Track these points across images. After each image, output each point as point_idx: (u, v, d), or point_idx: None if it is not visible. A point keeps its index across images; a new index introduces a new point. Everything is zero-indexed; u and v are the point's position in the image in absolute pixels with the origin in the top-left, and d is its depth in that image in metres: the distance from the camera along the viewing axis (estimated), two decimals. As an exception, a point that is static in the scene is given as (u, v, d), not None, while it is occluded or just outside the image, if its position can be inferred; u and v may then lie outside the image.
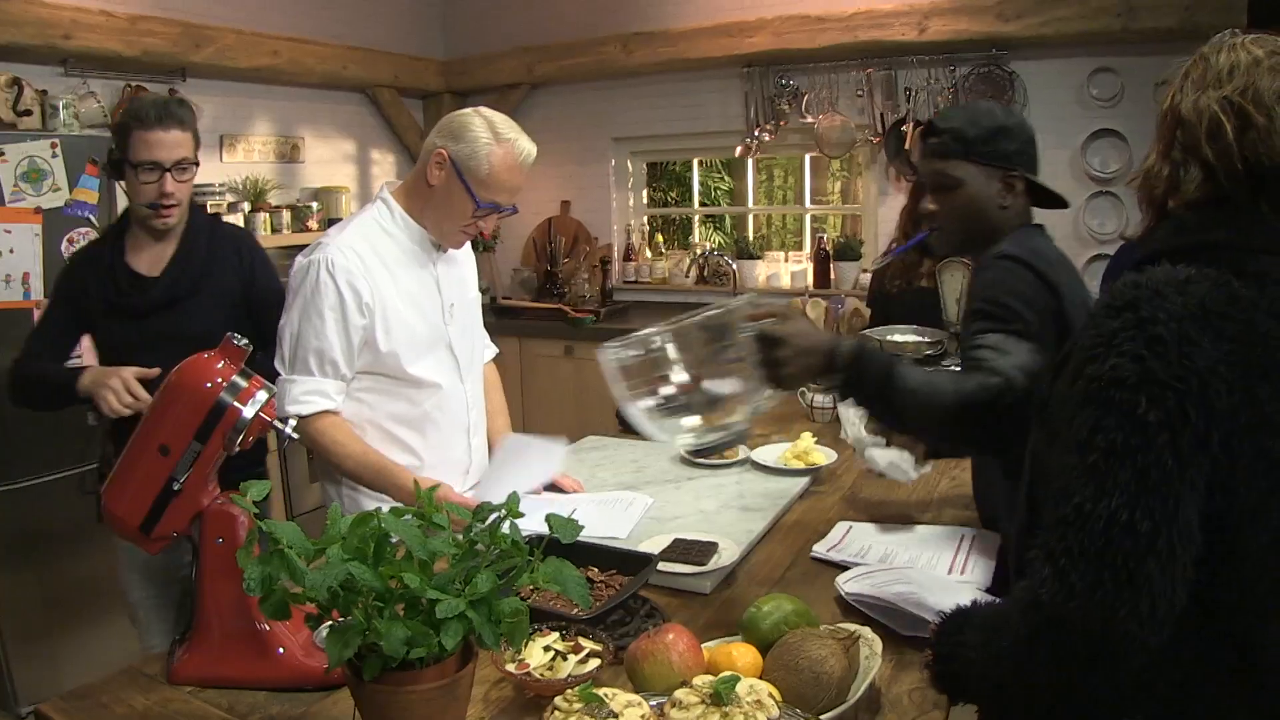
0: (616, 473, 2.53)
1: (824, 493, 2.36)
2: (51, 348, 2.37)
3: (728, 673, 1.29)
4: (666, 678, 1.36)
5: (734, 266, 5.22)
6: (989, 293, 1.68)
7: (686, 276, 5.55)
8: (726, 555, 1.88)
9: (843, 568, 1.85)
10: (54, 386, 2.26)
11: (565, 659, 1.43)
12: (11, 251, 3.21)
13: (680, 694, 1.25)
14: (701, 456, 2.33)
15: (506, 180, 2.11)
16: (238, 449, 1.50)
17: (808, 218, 5.53)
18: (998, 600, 1.25)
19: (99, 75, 4.17)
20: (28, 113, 3.55)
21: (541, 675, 1.41)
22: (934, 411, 1.52)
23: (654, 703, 1.27)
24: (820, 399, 3.04)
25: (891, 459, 2.11)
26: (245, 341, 1.50)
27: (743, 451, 2.57)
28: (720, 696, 1.22)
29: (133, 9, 4.15)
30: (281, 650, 1.47)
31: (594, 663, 1.43)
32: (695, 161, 5.84)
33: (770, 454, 2.56)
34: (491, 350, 2.60)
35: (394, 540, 1.17)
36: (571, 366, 5.16)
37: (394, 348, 2.14)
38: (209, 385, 1.47)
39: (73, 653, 3.49)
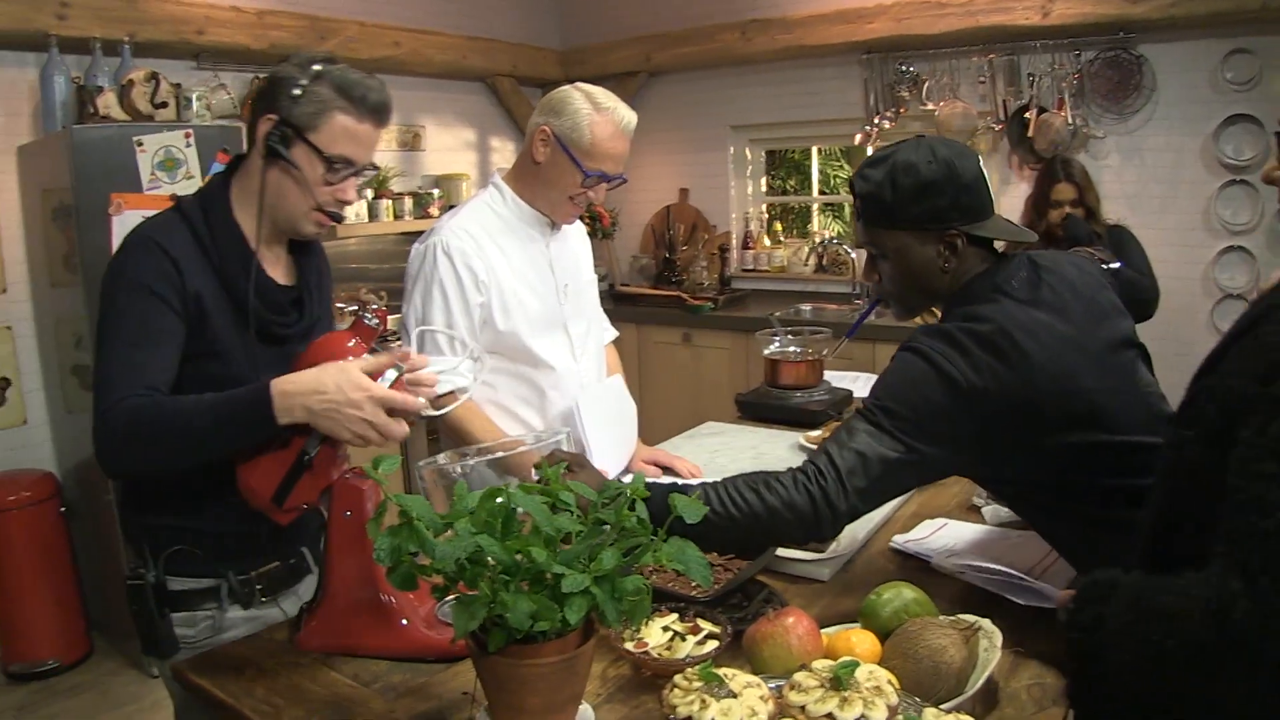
0: (735, 458, 2.54)
1: (944, 484, 2.30)
2: (159, 376, 1.57)
3: (847, 658, 1.28)
4: (785, 660, 1.36)
5: (852, 255, 5.16)
6: (879, 387, 1.56)
7: (805, 265, 5.51)
8: (846, 543, 1.87)
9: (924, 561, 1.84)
10: (220, 425, 1.49)
11: (684, 639, 1.44)
12: (151, 237, 3.35)
13: (799, 677, 1.25)
14: None
15: (610, 148, 2.16)
16: None
17: (929, 206, 5.42)
18: (1139, 575, 1.15)
19: (229, 68, 4.35)
20: (164, 105, 3.72)
21: (659, 655, 1.42)
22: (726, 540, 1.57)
23: (772, 685, 1.27)
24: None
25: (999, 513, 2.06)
26: (376, 321, 1.55)
27: None
28: (840, 681, 1.21)
29: (261, 4, 4.31)
30: (405, 621, 1.52)
31: (712, 644, 1.44)
32: (814, 149, 5.78)
33: None
34: (611, 333, 2.64)
35: (520, 515, 1.20)
36: (689, 353, 5.17)
37: (512, 326, 2.20)
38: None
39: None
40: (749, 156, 5.75)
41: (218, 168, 3.46)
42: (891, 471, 1.50)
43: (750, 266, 5.66)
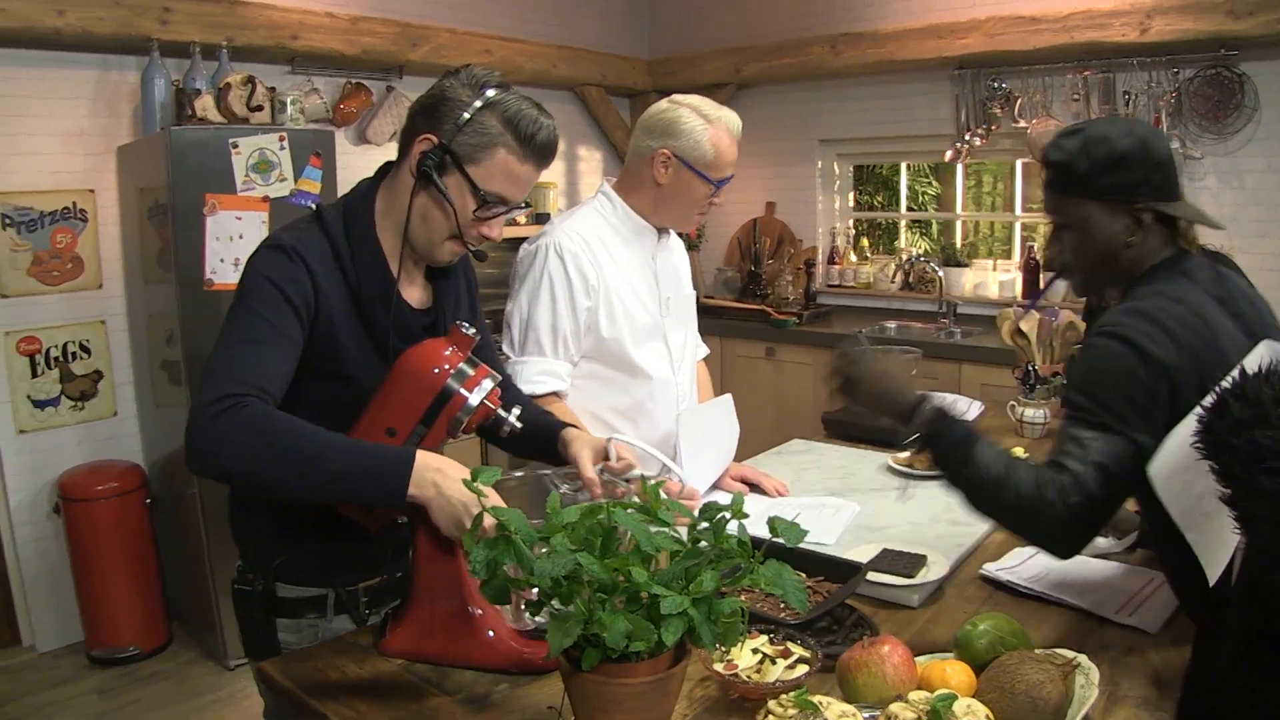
0: (823, 477, 2.51)
1: None
2: (273, 381, 1.49)
3: (944, 690, 1.24)
4: (879, 689, 1.32)
5: (940, 273, 5.08)
6: (1081, 380, 1.52)
7: (892, 282, 5.43)
8: (935, 569, 1.82)
9: (1013, 591, 1.80)
10: (347, 473, 1.40)
11: (774, 663, 1.41)
12: (241, 237, 3.43)
13: (895, 708, 1.21)
14: None
15: (729, 155, 2.20)
16: (461, 435, 1.54)
17: (1018, 226, 5.31)
18: None
19: (322, 73, 4.43)
20: (259, 108, 3.79)
21: (749, 678, 1.39)
22: (992, 502, 1.52)
23: (866, 715, 1.23)
24: (1031, 413, 2.91)
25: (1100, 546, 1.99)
26: (473, 330, 1.54)
27: None
28: (937, 714, 1.17)
29: (354, 10, 4.37)
30: (491, 633, 1.50)
31: (802, 669, 1.40)
32: (903, 165, 5.70)
33: None
34: (703, 350, 2.62)
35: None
36: (772, 368, 5.12)
37: (616, 333, 2.20)
38: (436, 371, 1.50)
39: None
40: (837, 171, 5.69)
41: (311, 172, 3.52)
42: (1126, 471, 1.45)
43: (835, 282, 5.59)
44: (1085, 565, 1.87)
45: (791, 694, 1.22)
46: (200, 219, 3.35)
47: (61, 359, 3.79)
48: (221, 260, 3.39)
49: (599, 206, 2.27)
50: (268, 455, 1.37)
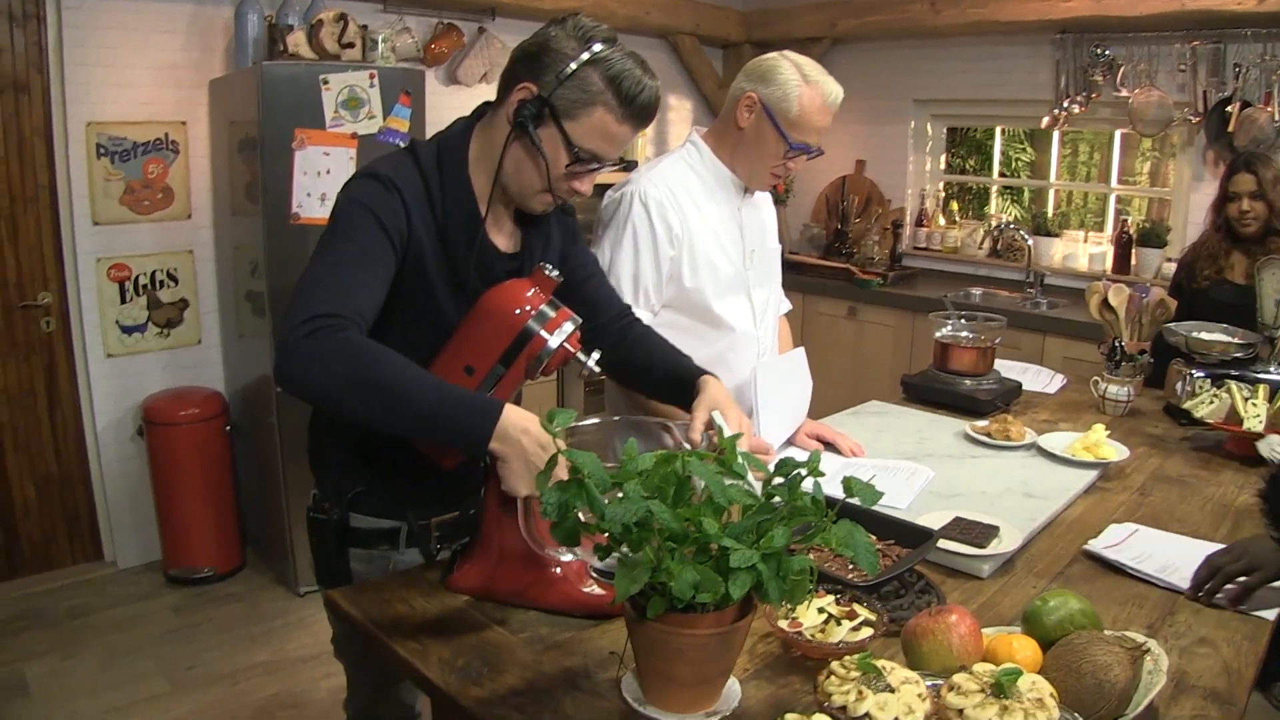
0: (898, 441, 2.48)
1: (1110, 490, 2.22)
2: (366, 307, 1.49)
3: (1010, 664, 1.22)
4: (944, 659, 1.30)
5: (1029, 242, 4.95)
6: None
7: (980, 248, 5.32)
8: (1008, 541, 1.80)
9: (1117, 570, 1.76)
10: (437, 413, 1.40)
11: (838, 624, 1.40)
12: (329, 172, 3.46)
13: (959, 679, 1.19)
14: None
15: (816, 121, 2.12)
16: (539, 376, 1.55)
17: (1112, 198, 5.15)
18: None
19: (414, 11, 4.41)
20: (350, 45, 3.81)
21: (813, 637, 1.39)
22: None
23: (929, 683, 1.22)
24: (1114, 390, 2.84)
25: None
26: (556, 273, 1.54)
27: (1029, 435, 2.46)
28: (1001, 688, 1.15)
29: (449, -51, 4.35)
30: (560, 576, 1.51)
31: (866, 631, 1.39)
32: (998, 129, 5.55)
33: (1057, 442, 2.43)
34: (786, 305, 2.60)
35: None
36: (853, 328, 5.07)
37: (699, 284, 2.18)
38: (517, 311, 1.51)
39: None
40: (929, 132, 5.56)
41: (401, 110, 3.54)
42: None
43: (922, 245, 5.50)
44: (1192, 547, 1.83)
45: (854, 657, 1.21)
46: (289, 153, 3.39)
47: (150, 286, 3.88)
48: (308, 195, 3.43)
49: (686, 155, 2.24)
50: (355, 383, 1.36)
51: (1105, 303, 3.07)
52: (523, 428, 1.39)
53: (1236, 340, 2.82)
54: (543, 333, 1.51)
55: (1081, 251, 4.98)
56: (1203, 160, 4.51)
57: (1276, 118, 4.17)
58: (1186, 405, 2.65)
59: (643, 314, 2.11)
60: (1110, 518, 2.02)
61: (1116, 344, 2.90)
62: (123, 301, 3.82)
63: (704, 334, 2.23)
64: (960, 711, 1.14)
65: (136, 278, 3.84)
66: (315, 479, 1.79)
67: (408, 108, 3.58)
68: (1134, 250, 4.73)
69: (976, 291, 5.03)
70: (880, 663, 1.20)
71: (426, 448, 1.58)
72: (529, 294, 1.52)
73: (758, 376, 2.19)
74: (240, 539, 4.02)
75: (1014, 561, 1.79)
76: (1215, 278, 3.44)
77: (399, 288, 1.55)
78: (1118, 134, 5.03)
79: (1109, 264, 4.83)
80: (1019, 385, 2.95)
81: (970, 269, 5.33)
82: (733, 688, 1.29)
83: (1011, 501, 2.07)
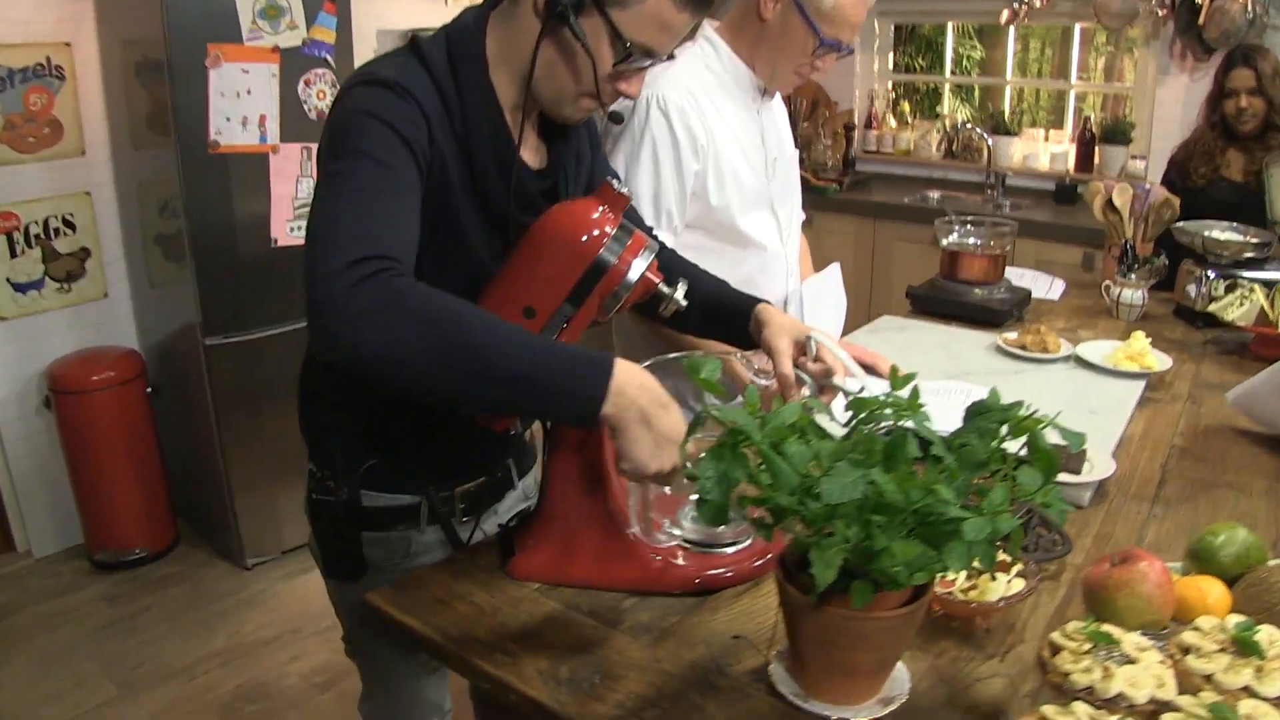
0: (930, 359, 2.34)
1: (1160, 400, 2.14)
2: (408, 242, 1.22)
3: (1241, 618, 1.06)
4: (1141, 613, 1.14)
5: (989, 142, 4.83)
6: None
7: (937, 150, 5.20)
8: (1101, 464, 1.68)
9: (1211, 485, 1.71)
10: (535, 374, 1.13)
11: (993, 579, 1.22)
12: (249, 93, 3.11)
13: (1190, 638, 1.03)
14: None
15: (851, 14, 1.89)
16: (613, 315, 1.30)
17: (1071, 95, 5.05)
18: None
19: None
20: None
21: (965, 595, 1.22)
22: None
23: (1158, 644, 1.06)
24: (1128, 294, 2.74)
25: None
26: (626, 188, 1.29)
27: (1065, 347, 2.34)
28: (1252, 646, 0.99)
29: None
30: (651, 555, 1.31)
31: (1019, 584, 1.23)
32: (949, 26, 5.38)
33: (1096, 352, 2.34)
34: (801, 216, 2.38)
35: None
36: (810, 238, 4.88)
37: (724, 200, 1.95)
38: (585, 239, 1.25)
39: (296, 510, 3.51)
40: (876, 30, 5.33)
41: (325, 19, 3.18)
42: None
43: (873, 148, 5.34)
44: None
45: (1077, 624, 1.03)
46: (201, 73, 3.01)
47: (43, 236, 3.47)
48: (228, 120, 3.08)
49: (702, 53, 1.98)
50: (433, 344, 1.08)
51: (1109, 204, 2.98)
52: (640, 383, 1.14)
53: (1250, 239, 2.73)
54: (620, 263, 1.26)
55: (1042, 150, 4.90)
56: (1169, 53, 4.41)
57: (1249, 9, 4.06)
58: (1213, 308, 2.58)
59: (665, 236, 1.87)
60: (1174, 431, 1.97)
61: (1128, 246, 2.81)
62: (12, 255, 3.41)
63: (731, 255, 2.01)
64: (1209, 677, 0.98)
65: (26, 227, 3.43)
66: (312, 454, 1.53)
67: (333, 15, 3.21)
68: (1097, 148, 4.65)
69: (934, 194, 4.92)
70: (1105, 628, 1.02)
71: (482, 414, 1.33)
72: (596, 215, 1.26)
73: (804, 300, 1.99)
74: (171, 512, 3.71)
75: (1103, 486, 1.68)
76: (1212, 176, 3.39)
77: (423, 219, 1.26)
78: (1077, 28, 4.90)
79: (1071, 163, 4.75)
80: (1029, 293, 2.87)
81: (925, 172, 5.21)
82: (900, 669, 1.10)
83: (1076, 420, 1.88)
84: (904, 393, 1.01)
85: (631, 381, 1.13)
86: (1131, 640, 1.00)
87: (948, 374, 2.20)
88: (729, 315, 1.59)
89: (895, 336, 2.52)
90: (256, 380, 3.37)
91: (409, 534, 1.50)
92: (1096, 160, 4.65)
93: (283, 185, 3.25)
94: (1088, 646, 0.98)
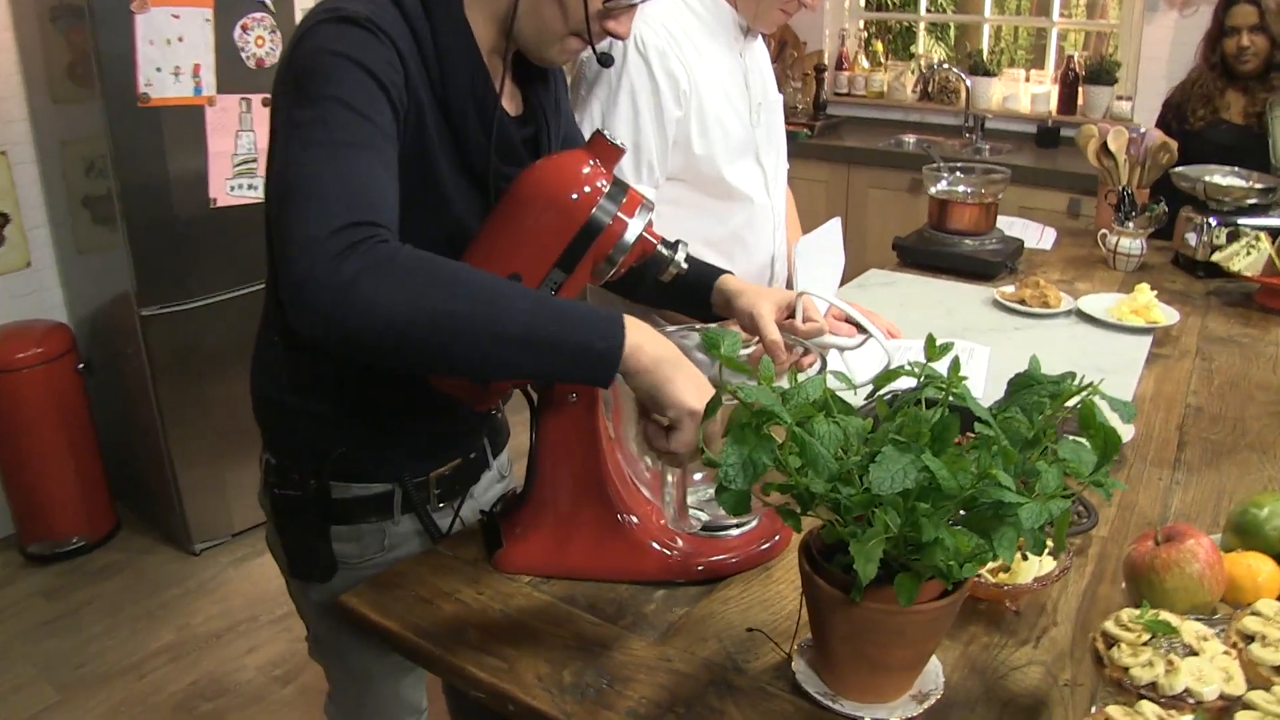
0: (927, 314, 2.33)
1: (1169, 356, 2.13)
2: (390, 202, 1.13)
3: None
4: (1191, 595, 1.11)
5: (967, 83, 4.78)
6: None
7: (912, 92, 5.16)
8: (1121, 427, 1.63)
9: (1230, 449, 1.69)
10: (539, 334, 1.07)
11: (1024, 558, 1.18)
12: (180, 40, 2.97)
13: (1252, 623, 0.99)
14: None
15: None
16: (609, 279, 1.24)
17: (1054, 33, 5.02)
18: None
19: None
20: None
21: (990, 577, 1.18)
22: None
23: (1217, 630, 1.01)
24: (1126, 243, 2.72)
25: None
26: (621, 140, 1.21)
27: (1066, 301, 2.34)
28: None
29: None
30: (650, 542, 1.25)
31: (1050, 563, 1.20)
32: (924, -40, 5.33)
33: (1096, 305, 2.33)
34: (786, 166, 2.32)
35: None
36: (783, 185, 4.87)
37: (709, 149, 1.88)
38: (576, 196, 1.18)
39: (245, 490, 3.43)
40: (847, -34, 5.28)
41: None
42: None
43: (844, 91, 5.28)
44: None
45: (1131, 613, 0.98)
46: (126, 19, 2.88)
47: (-45, 201, 3.34)
48: (158, 70, 2.95)
49: None
50: (432, 311, 1.02)
51: (1104, 148, 2.96)
52: (653, 333, 1.11)
53: (1254, 184, 2.71)
54: (615, 223, 1.19)
55: (1023, 92, 4.86)
56: (1157, -12, 4.38)
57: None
58: (1217, 258, 2.57)
59: (646, 190, 1.81)
60: (1187, 390, 1.95)
61: (1125, 193, 2.78)
62: (-77, 223, 3.28)
63: (716, 210, 1.95)
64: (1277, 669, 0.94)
65: (-64, 192, 3.30)
66: (270, 443, 1.44)
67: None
68: (1081, 89, 4.61)
69: (910, 139, 4.89)
70: (1163, 616, 0.98)
71: (459, 388, 1.26)
72: (586, 170, 1.19)
73: (798, 260, 1.93)
74: (110, 497, 3.60)
75: (1121, 452, 1.63)
76: (1210, 118, 3.36)
77: (401, 172, 1.17)
78: (1061, -40, 4.88)
79: (1054, 104, 4.72)
80: (1021, 243, 2.86)
81: (900, 115, 5.16)
82: (932, 661, 1.06)
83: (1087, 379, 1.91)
84: (944, 364, 0.95)
85: (645, 330, 1.10)
86: (1192, 629, 0.96)
87: (946, 332, 2.16)
88: (690, 284, 1.54)
89: (885, 292, 2.49)
90: (198, 352, 3.28)
91: (383, 526, 1.43)
92: (1080, 102, 4.62)
93: (221, 140, 3.13)
94: (1146, 637, 0.94)
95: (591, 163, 1.19)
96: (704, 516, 1.32)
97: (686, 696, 1.03)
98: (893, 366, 0.99)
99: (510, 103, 1.35)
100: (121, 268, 3.13)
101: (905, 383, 0.99)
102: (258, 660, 2.87)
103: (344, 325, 1.00)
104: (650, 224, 1.22)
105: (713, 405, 0.99)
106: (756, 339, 1.45)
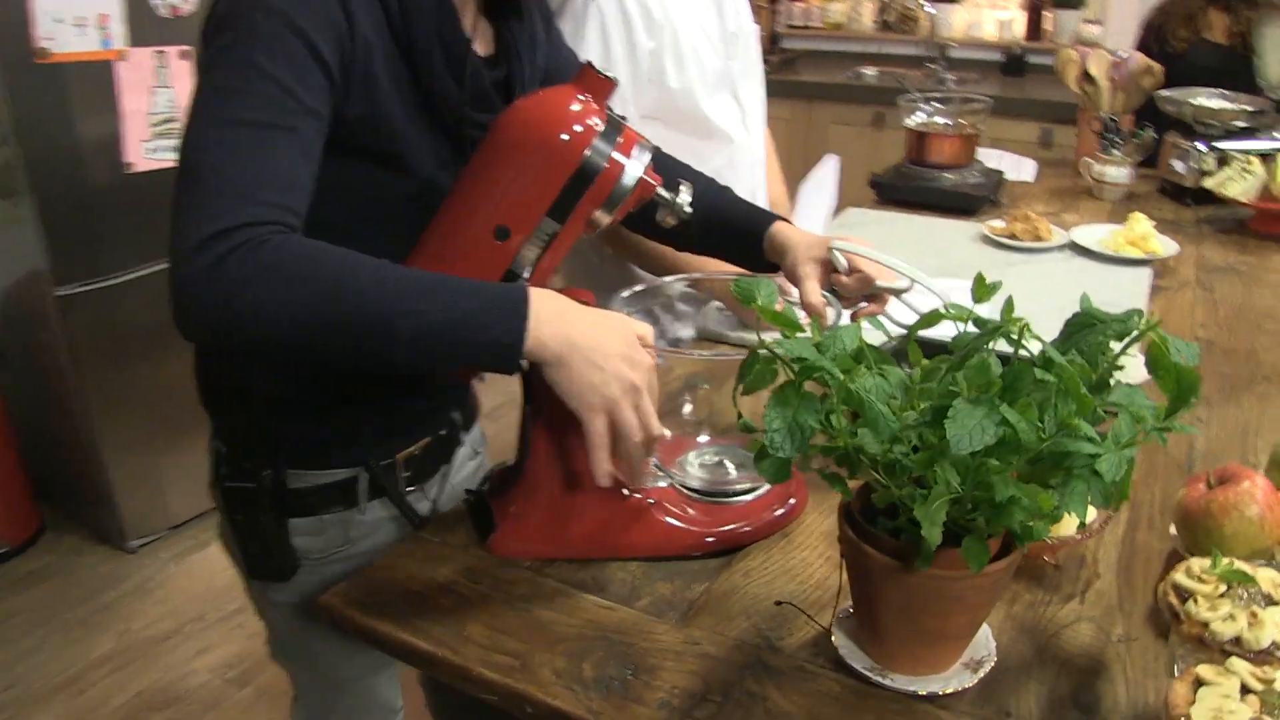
0: (916, 253, 2.25)
1: (1170, 288, 2.14)
2: (295, 192, 1.07)
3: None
4: (1250, 538, 1.09)
5: (930, 10, 4.78)
6: None
7: (871, 22, 5.18)
8: (1132, 366, 1.61)
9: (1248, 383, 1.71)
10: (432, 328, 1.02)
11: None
12: (83, -14, 2.86)
13: None
14: None
15: None
16: (605, 227, 1.18)
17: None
18: None
19: None
20: None
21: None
22: None
23: None
24: (1113, 172, 2.72)
25: None
26: (612, 73, 1.15)
27: (1058, 234, 2.34)
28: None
29: None
30: (660, 516, 1.21)
31: (1091, 512, 1.16)
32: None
33: (1090, 237, 2.33)
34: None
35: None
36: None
37: (685, 83, 1.83)
38: (566, 137, 1.11)
39: (183, 477, 3.34)
40: (795, -113, 5.25)
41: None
42: None
43: (799, 23, 5.29)
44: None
45: (1201, 562, 0.96)
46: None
47: None
48: (58, 21, 2.80)
49: None
50: (312, 320, 0.99)
51: (1085, 73, 2.95)
52: (557, 308, 1.05)
53: (1244, 106, 2.72)
54: (611, 165, 1.13)
55: (987, 18, 4.90)
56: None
57: None
58: (1209, 184, 2.59)
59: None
60: (1194, 322, 1.96)
61: (1110, 120, 2.78)
62: None
63: (695, 148, 1.89)
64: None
65: None
66: (219, 429, 1.38)
67: None
68: (1046, 13, 4.65)
69: (870, 71, 4.91)
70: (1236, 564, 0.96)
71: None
72: (576, 107, 1.12)
73: (800, 203, 1.89)
74: (32, 497, 3.49)
75: None
76: (1192, 39, 3.37)
77: (348, 127, 1.12)
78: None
79: (1020, 31, 4.76)
80: (1002, 175, 2.87)
81: (859, 47, 5.19)
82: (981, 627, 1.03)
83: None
84: (992, 307, 0.91)
85: (546, 317, 1.04)
86: (1267, 576, 0.93)
87: (939, 271, 2.11)
88: (741, 232, 1.51)
89: (868, 232, 2.39)
90: (122, 331, 3.17)
91: (348, 516, 1.37)
92: (1048, 27, 4.66)
93: (135, 99, 3.01)
94: (1222, 589, 0.91)
95: (581, 98, 1.13)
96: (703, 483, 1.28)
97: (721, 682, 0.99)
98: (942, 308, 0.95)
99: (480, 41, 1.28)
100: (31, 244, 3.00)
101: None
102: (210, 662, 2.80)
103: (228, 337, 1.01)
104: (651, 164, 1.16)
105: (750, 364, 0.92)
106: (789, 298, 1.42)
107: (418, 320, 1.00)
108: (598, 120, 1.12)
